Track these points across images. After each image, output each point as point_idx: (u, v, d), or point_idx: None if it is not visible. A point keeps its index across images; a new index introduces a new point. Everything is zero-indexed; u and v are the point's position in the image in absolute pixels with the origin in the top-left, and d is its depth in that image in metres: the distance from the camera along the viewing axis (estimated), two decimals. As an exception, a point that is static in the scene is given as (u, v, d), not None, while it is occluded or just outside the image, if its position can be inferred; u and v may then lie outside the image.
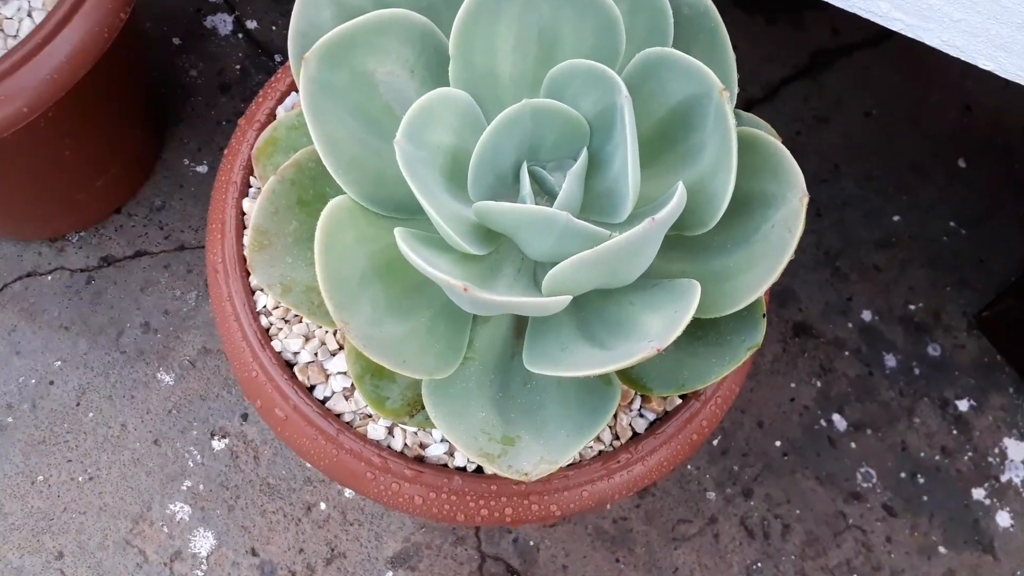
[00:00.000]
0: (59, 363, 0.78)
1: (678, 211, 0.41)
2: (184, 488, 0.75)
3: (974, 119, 0.92)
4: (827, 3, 0.58)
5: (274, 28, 0.90)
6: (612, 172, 0.46)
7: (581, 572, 0.75)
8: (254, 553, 0.74)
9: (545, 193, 0.47)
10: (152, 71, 0.87)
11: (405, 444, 0.50)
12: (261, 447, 0.76)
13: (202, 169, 0.85)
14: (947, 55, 0.54)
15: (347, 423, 0.50)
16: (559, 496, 0.49)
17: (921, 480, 0.80)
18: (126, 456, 0.75)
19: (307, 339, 0.51)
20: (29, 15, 0.61)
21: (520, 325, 0.50)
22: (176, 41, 0.89)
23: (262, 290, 0.52)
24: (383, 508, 0.75)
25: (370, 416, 0.51)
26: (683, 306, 0.41)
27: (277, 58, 0.89)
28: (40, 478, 0.74)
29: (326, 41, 0.42)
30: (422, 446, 0.50)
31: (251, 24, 0.90)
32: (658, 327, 0.42)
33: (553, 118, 0.45)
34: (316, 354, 0.51)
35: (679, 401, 0.52)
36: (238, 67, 0.88)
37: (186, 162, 0.85)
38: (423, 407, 0.46)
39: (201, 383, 0.78)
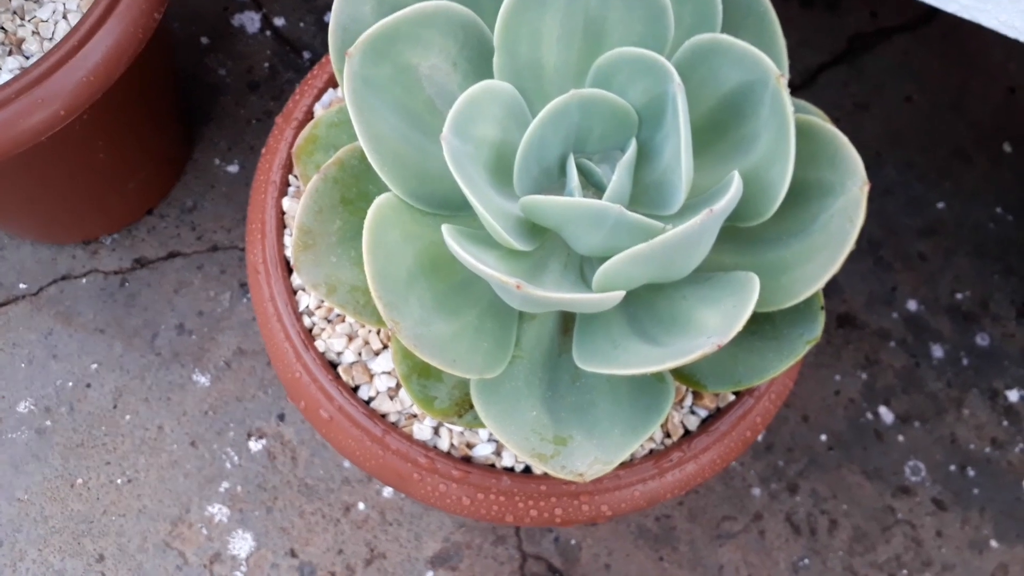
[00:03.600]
0: (95, 366, 0.78)
1: (735, 201, 0.40)
2: (222, 490, 0.74)
3: (1019, 103, 0.90)
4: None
5: (302, 25, 0.89)
6: (662, 163, 0.44)
7: (624, 571, 0.74)
8: (293, 554, 0.73)
9: (592, 186, 0.46)
10: (181, 71, 0.86)
11: (452, 444, 0.49)
12: (298, 448, 0.76)
13: (233, 169, 0.84)
14: (989, 38, 0.53)
15: (392, 423, 0.49)
16: (610, 496, 0.48)
17: (971, 473, 0.78)
18: (164, 458, 0.75)
19: (351, 339, 0.50)
20: (64, 17, 0.60)
21: (566, 322, 0.49)
22: (204, 40, 0.88)
23: (304, 290, 0.51)
24: (422, 508, 0.75)
25: (415, 416, 0.50)
26: (741, 300, 0.40)
27: (306, 55, 0.88)
28: (79, 481, 0.74)
29: (370, 35, 0.42)
30: (469, 446, 0.49)
31: (279, 21, 0.89)
32: (715, 322, 0.40)
33: (601, 108, 0.44)
34: (360, 354, 0.50)
35: (731, 397, 0.51)
36: (266, 65, 0.88)
37: (217, 162, 0.84)
38: (471, 407, 0.45)
39: (237, 384, 0.77)
